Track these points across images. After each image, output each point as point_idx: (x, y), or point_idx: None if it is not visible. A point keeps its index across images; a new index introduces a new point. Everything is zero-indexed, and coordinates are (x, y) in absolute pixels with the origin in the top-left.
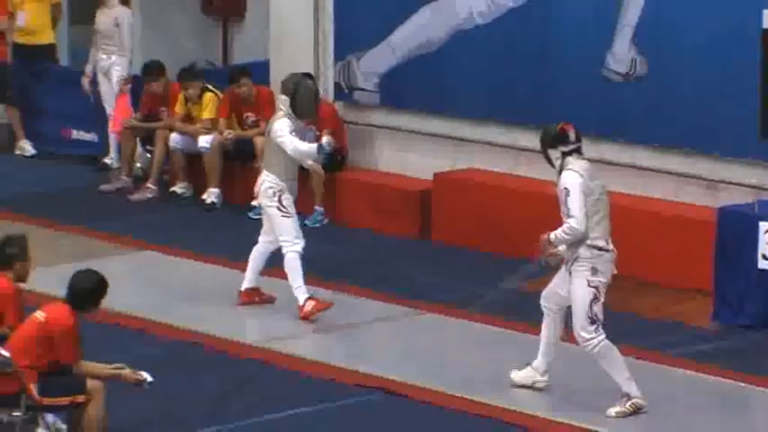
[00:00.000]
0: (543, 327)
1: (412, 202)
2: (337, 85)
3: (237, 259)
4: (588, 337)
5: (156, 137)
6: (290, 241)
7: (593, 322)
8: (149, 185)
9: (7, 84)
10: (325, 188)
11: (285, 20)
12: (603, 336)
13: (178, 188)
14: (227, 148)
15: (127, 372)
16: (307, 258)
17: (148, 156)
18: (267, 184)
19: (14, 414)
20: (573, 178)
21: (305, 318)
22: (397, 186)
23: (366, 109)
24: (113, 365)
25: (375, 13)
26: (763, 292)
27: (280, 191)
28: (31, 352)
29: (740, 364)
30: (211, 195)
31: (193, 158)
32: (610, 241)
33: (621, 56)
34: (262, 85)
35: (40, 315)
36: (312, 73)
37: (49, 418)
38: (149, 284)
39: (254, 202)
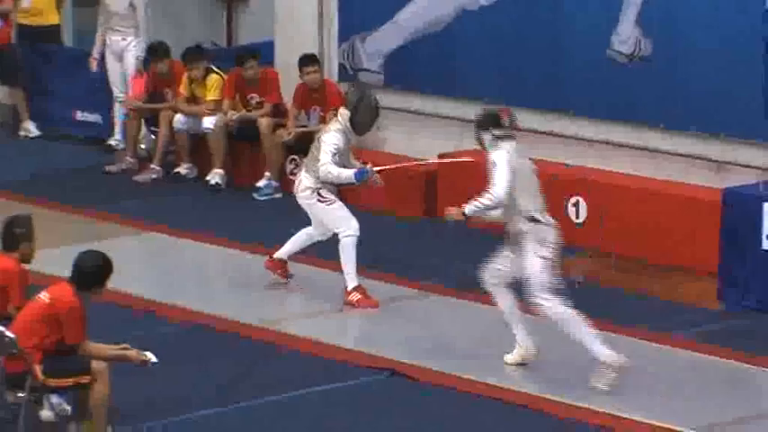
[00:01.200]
0: (498, 302)
1: (417, 183)
2: (342, 66)
3: (242, 240)
4: (545, 304)
5: (160, 118)
6: (343, 227)
7: (546, 289)
8: (153, 166)
9: (14, 65)
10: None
11: (290, 0)
12: (559, 301)
13: (182, 169)
14: (231, 129)
15: (132, 352)
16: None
17: (153, 137)
18: (305, 183)
19: (19, 395)
20: (500, 154)
21: (348, 304)
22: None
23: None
24: (118, 346)
25: None
26: None
27: (318, 188)
28: (36, 333)
29: (746, 344)
30: (216, 176)
31: (198, 139)
32: (546, 214)
33: (626, 36)
34: (267, 65)
35: (44, 296)
36: (316, 53)
37: (54, 399)
38: (154, 265)
39: (259, 183)
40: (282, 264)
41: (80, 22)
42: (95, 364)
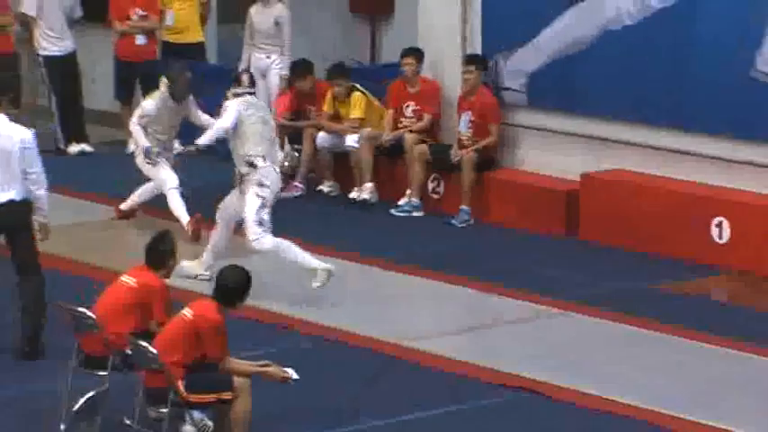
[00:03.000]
0: (213, 233)
1: (558, 201)
2: (485, 84)
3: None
4: (256, 236)
5: (303, 135)
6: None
7: (260, 224)
8: (297, 184)
9: (154, 82)
10: (474, 188)
11: (433, 18)
12: (270, 234)
13: (325, 187)
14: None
15: (273, 369)
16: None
17: (296, 154)
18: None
19: (161, 410)
20: (232, 103)
21: (192, 234)
22: (543, 186)
23: (513, 108)
24: (259, 363)
25: (523, 11)
26: None
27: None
28: (178, 349)
29: None
30: (364, 192)
31: (341, 157)
32: (267, 160)
33: None
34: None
35: (188, 312)
36: (459, 71)
37: (196, 414)
38: (295, 281)
39: (400, 201)
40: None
41: (224, 39)
42: (237, 381)
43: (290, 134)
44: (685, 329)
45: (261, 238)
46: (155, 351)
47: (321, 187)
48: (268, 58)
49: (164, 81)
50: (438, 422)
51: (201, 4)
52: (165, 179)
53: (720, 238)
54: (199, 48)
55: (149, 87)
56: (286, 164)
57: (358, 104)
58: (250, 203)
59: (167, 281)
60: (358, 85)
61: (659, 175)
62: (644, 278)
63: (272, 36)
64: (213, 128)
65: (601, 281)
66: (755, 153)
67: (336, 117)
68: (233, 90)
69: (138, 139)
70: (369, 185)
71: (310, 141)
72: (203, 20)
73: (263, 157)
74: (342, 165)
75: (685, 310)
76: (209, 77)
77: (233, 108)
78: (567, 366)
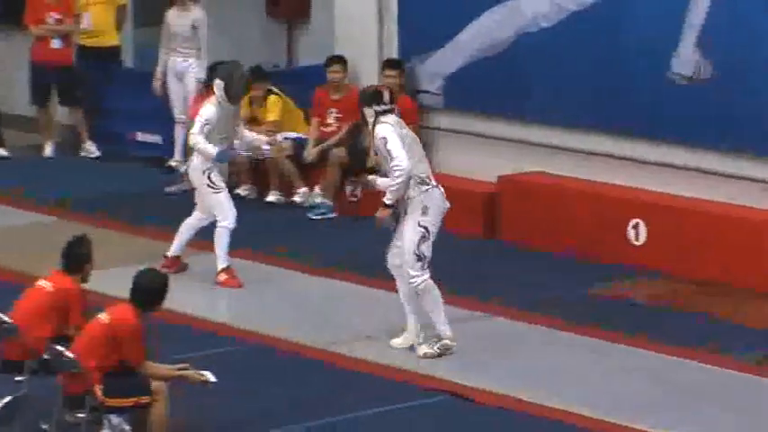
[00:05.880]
0: (398, 286)
1: (476, 204)
2: (402, 87)
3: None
4: (414, 274)
5: None
6: (221, 217)
7: (419, 259)
8: None
9: (74, 86)
10: None
11: (350, 22)
12: (428, 275)
13: (242, 190)
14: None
15: (191, 372)
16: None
17: None
18: (195, 163)
19: (79, 415)
20: (385, 128)
21: (217, 283)
22: (461, 188)
23: (430, 111)
24: (177, 366)
25: (440, 14)
26: None
27: (209, 172)
28: (96, 353)
29: None
30: (273, 195)
31: (258, 161)
32: (433, 179)
33: (686, 58)
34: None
35: (105, 316)
36: (376, 75)
37: (114, 419)
38: (213, 285)
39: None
40: (176, 260)
41: (140, 42)
42: (155, 385)
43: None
44: (602, 330)
45: (417, 275)
46: (72, 356)
47: (238, 191)
48: (186, 61)
49: (216, 83)
50: (363, 424)
51: (118, 8)
52: (225, 212)
53: (637, 239)
54: (114, 51)
55: (65, 92)
56: None
57: (274, 107)
58: (410, 233)
59: (85, 285)
60: (274, 89)
61: (577, 178)
62: (562, 280)
63: (190, 39)
64: (397, 174)
65: (519, 283)
66: (671, 155)
67: (253, 120)
68: (374, 107)
69: (206, 149)
70: (302, 190)
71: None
72: (119, 23)
73: (430, 177)
74: (259, 168)
75: (602, 310)
76: (125, 81)
77: (392, 137)
78: (491, 369)
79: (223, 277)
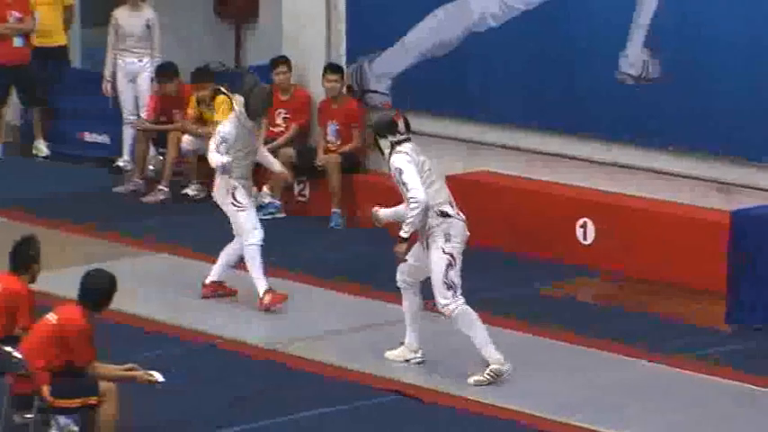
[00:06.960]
0: (404, 302)
1: None
2: (350, 88)
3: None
4: (445, 302)
5: (168, 139)
6: (246, 236)
7: (449, 287)
8: (161, 187)
9: (31, 84)
10: (342, 191)
11: (297, 22)
12: (462, 300)
13: (191, 190)
14: None
15: (139, 373)
16: (327, 260)
17: (161, 158)
18: (219, 182)
19: (27, 416)
20: (401, 158)
21: (265, 309)
22: None
23: (379, 111)
24: (125, 366)
25: (388, 14)
26: None
27: (233, 190)
28: (44, 354)
29: (753, 366)
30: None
31: (206, 160)
32: (455, 206)
33: (634, 58)
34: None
35: (52, 317)
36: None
37: (62, 420)
38: (161, 286)
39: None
40: (219, 285)
41: (88, 42)
42: (104, 385)
43: (155, 137)
44: (551, 330)
45: (450, 303)
46: (20, 356)
47: (186, 190)
48: (140, 61)
49: (236, 99)
50: (310, 424)
51: (66, 8)
52: (250, 231)
53: (585, 239)
54: (62, 51)
55: (25, 91)
56: (151, 167)
57: (221, 107)
58: (437, 262)
59: (32, 285)
60: (222, 88)
61: (525, 177)
62: (511, 279)
63: (144, 39)
64: (413, 206)
65: (469, 282)
66: (619, 154)
67: (201, 120)
68: (389, 138)
69: (214, 158)
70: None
71: (175, 145)
72: (67, 23)
73: (451, 205)
74: (208, 168)
75: (550, 309)
76: (72, 81)
77: (408, 168)
78: (441, 370)
79: (268, 299)
